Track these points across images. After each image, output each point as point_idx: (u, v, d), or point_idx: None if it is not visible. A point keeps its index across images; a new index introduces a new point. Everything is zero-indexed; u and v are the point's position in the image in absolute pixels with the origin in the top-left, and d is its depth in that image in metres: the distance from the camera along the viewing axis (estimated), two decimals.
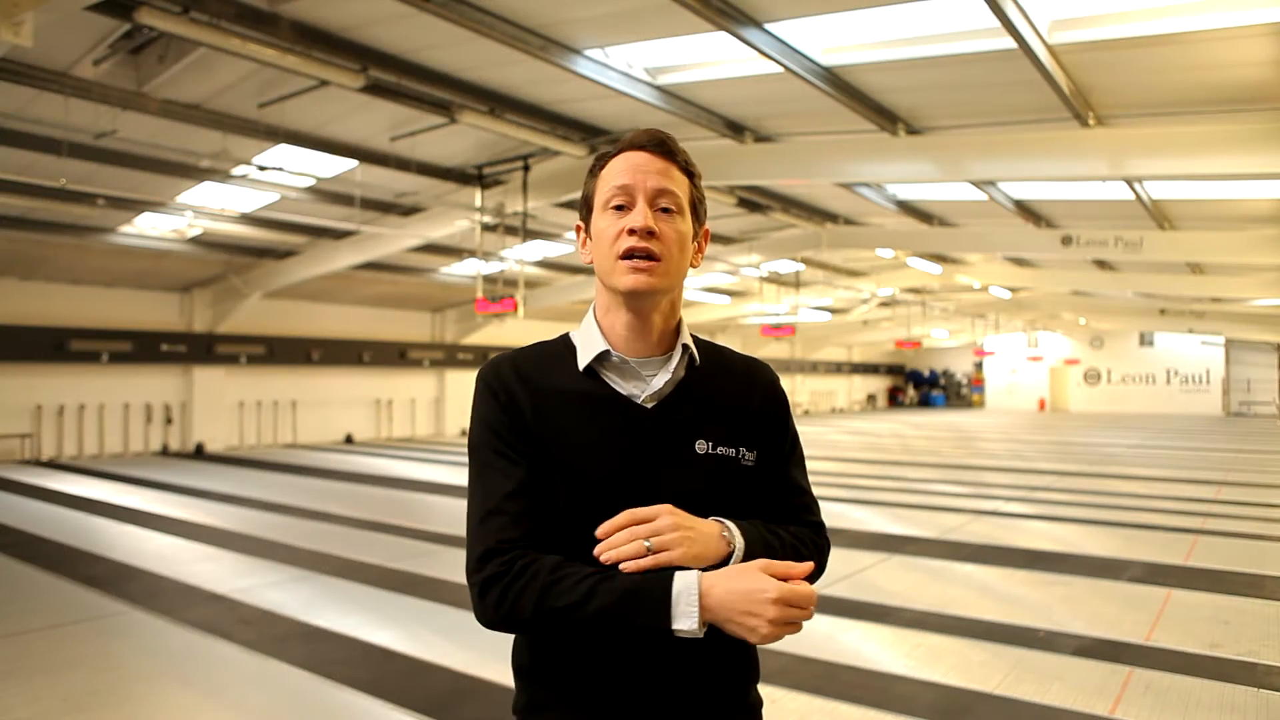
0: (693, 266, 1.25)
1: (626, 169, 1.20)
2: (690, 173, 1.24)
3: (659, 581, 1.06)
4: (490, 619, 1.12)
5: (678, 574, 1.07)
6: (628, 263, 1.17)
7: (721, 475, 1.21)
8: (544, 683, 1.21)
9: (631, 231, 1.16)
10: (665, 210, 1.19)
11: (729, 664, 1.23)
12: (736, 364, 1.31)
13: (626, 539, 1.09)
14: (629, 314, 1.21)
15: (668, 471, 1.18)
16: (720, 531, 1.13)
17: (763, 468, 1.26)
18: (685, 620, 1.05)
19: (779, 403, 1.30)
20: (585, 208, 1.27)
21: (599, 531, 1.11)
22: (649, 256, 1.16)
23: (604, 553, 1.09)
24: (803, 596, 1.07)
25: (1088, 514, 8.51)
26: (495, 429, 1.19)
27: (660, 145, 1.21)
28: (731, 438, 1.23)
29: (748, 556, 1.12)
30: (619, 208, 1.19)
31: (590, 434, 1.18)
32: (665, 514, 1.10)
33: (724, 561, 1.12)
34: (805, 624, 1.13)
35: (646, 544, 1.08)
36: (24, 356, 13.26)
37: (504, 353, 1.26)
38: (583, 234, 1.28)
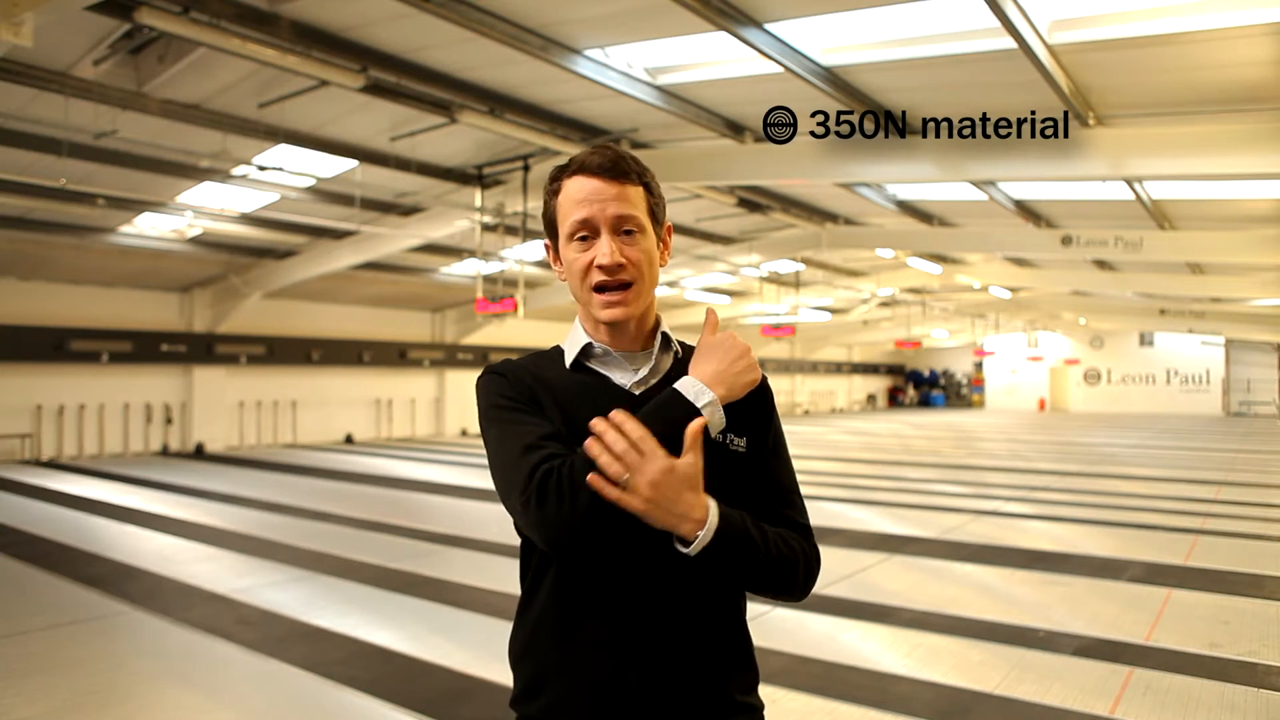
0: (661, 265, 1.30)
1: (584, 200, 1.23)
2: (644, 182, 1.27)
3: (664, 393, 1.18)
4: (553, 520, 1.10)
5: (678, 384, 1.17)
6: (602, 296, 1.23)
7: (711, 460, 1.20)
8: (541, 671, 1.22)
9: (600, 266, 1.22)
10: (628, 233, 1.23)
11: (723, 656, 1.24)
12: None
13: (619, 454, 1.08)
14: (608, 327, 1.28)
15: None
16: (703, 504, 1.12)
17: (752, 456, 1.27)
18: (705, 396, 1.15)
19: (764, 396, 1.31)
20: (550, 229, 1.30)
21: (616, 416, 1.11)
22: (621, 286, 1.22)
23: (597, 443, 1.09)
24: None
25: (1088, 514, 8.51)
26: (511, 396, 1.23)
27: (612, 169, 1.23)
28: None
29: (719, 535, 1.12)
30: (584, 238, 1.24)
31: (584, 418, 1.20)
32: (660, 473, 1.08)
33: (683, 540, 1.12)
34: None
35: (624, 478, 1.07)
36: (24, 356, 13.25)
37: (502, 360, 1.32)
38: (552, 252, 1.32)
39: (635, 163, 1.26)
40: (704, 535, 1.11)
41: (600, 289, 1.22)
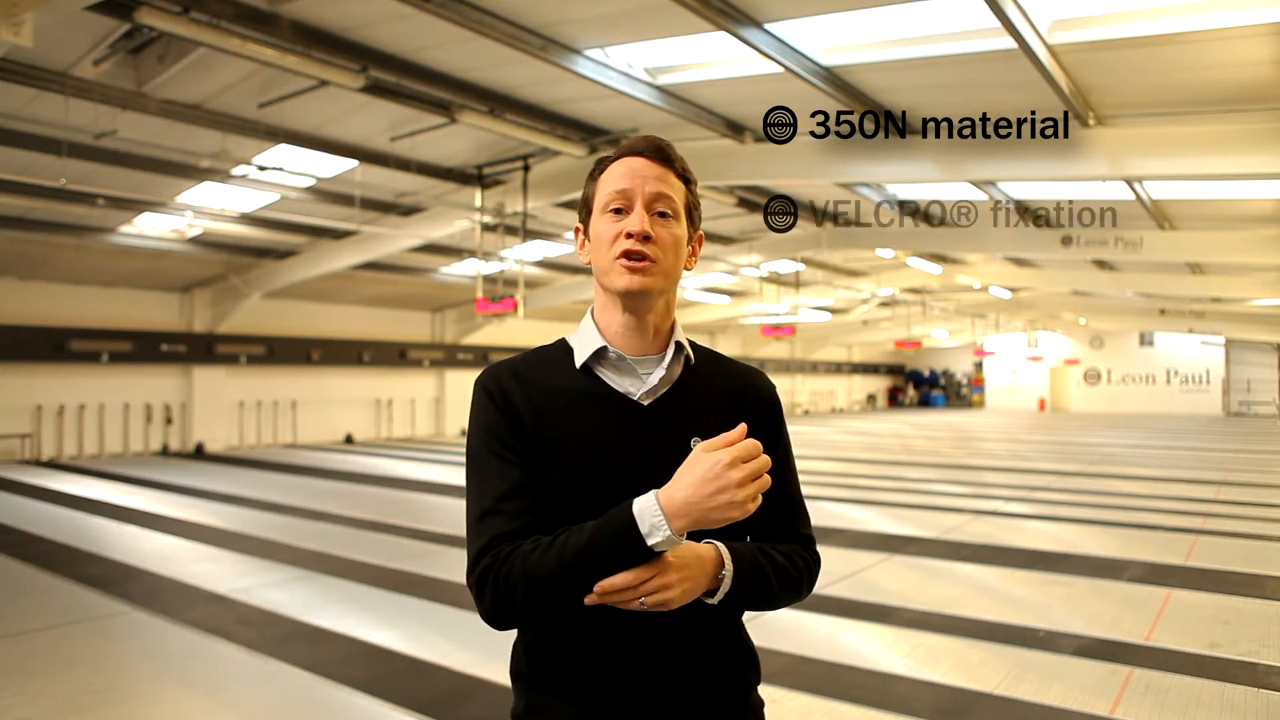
0: (686, 269, 1.29)
1: (625, 174, 1.23)
2: (687, 179, 1.28)
3: (620, 512, 1.08)
4: (490, 614, 1.14)
5: (636, 500, 1.08)
6: (624, 262, 1.20)
7: None
8: (542, 687, 1.21)
9: (628, 235, 1.20)
10: (661, 214, 1.23)
11: (730, 665, 1.24)
12: (734, 369, 1.34)
13: (630, 598, 1.08)
14: (625, 313, 1.24)
15: (663, 468, 1.17)
16: (715, 557, 1.13)
17: None
18: (658, 534, 1.05)
19: (774, 409, 1.32)
20: (584, 210, 1.30)
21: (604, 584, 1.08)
22: (644, 258, 1.20)
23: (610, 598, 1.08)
24: (749, 448, 1.07)
25: (1088, 514, 8.51)
26: (491, 430, 1.21)
27: (658, 152, 1.25)
28: None
29: (737, 578, 1.13)
30: (617, 210, 1.23)
31: (588, 429, 1.20)
32: (679, 582, 1.09)
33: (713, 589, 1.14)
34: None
35: (642, 602, 1.08)
36: (24, 356, 13.26)
37: (503, 359, 1.29)
38: (581, 236, 1.31)
39: (683, 161, 1.28)
40: (724, 586, 1.13)
41: (624, 256, 1.21)
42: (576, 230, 1.33)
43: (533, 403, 1.22)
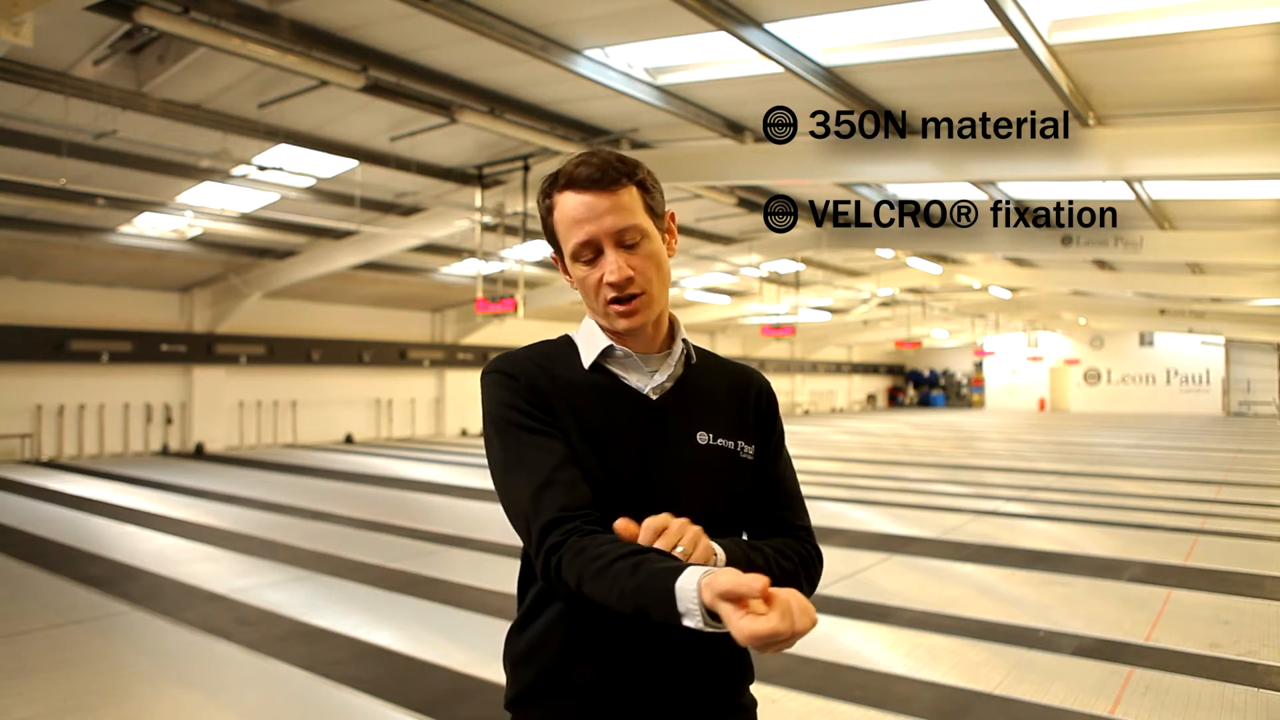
0: (670, 255, 1.28)
1: (580, 219, 1.18)
2: (636, 181, 1.21)
3: (666, 578, 0.99)
4: (553, 589, 1.15)
5: (681, 577, 0.98)
6: (616, 308, 1.20)
7: (722, 466, 1.25)
8: (536, 673, 1.23)
9: (610, 284, 1.19)
10: (632, 245, 1.20)
11: (722, 661, 1.25)
12: (731, 367, 1.37)
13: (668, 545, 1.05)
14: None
15: (672, 461, 1.22)
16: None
17: (758, 462, 1.29)
18: (691, 619, 0.97)
19: (771, 400, 1.35)
20: (552, 242, 1.26)
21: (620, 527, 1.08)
22: (633, 298, 1.20)
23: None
24: (765, 636, 0.90)
25: (1088, 514, 8.51)
26: (520, 407, 1.20)
27: (601, 179, 1.18)
28: (731, 431, 1.27)
29: (730, 564, 1.11)
30: (589, 259, 1.21)
31: (601, 421, 1.21)
32: (673, 519, 1.07)
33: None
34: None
35: (680, 549, 1.05)
36: (24, 356, 13.26)
37: (510, 351, 1.27)
38: (560, 264, 1.28)
39: (623, 163, 1.21)
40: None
41: (614, 301, 1.20)
42: (554, 258, 1.29)
43: (552, 386, 1.22)
